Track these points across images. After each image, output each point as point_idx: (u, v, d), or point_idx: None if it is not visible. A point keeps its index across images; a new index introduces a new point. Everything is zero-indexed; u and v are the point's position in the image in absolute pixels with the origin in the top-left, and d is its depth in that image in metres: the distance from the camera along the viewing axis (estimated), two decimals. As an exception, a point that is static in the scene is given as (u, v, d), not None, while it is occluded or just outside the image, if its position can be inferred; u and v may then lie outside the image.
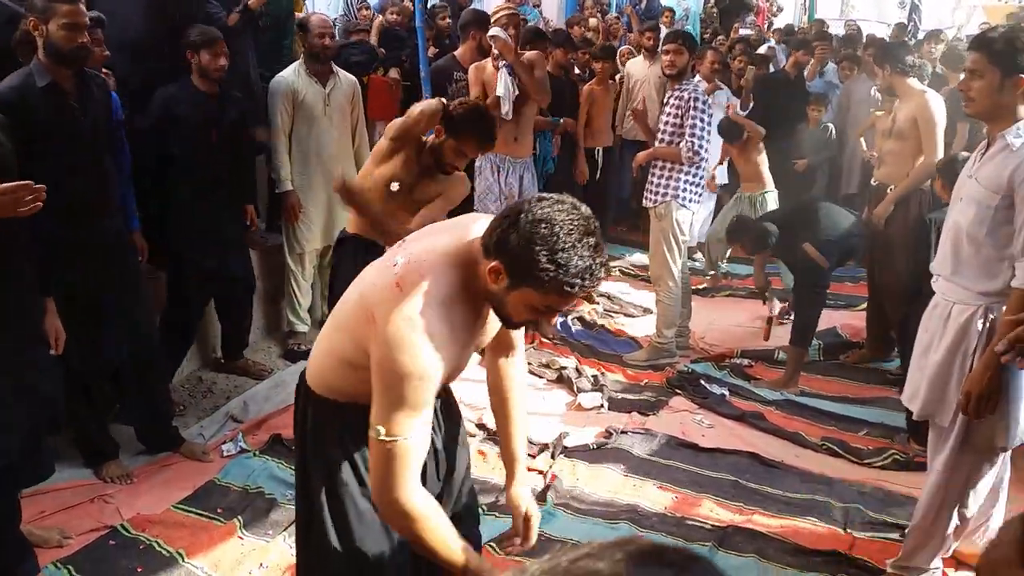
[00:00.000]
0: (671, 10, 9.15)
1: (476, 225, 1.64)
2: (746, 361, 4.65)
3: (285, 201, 4.35)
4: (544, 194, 1.53)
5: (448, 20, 6.14)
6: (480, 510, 2.29)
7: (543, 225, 1.45)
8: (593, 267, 1.47)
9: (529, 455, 3.52)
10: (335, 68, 4.42)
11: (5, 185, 2.17)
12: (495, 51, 4.47)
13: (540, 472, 3.40)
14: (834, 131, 6.18)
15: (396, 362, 1.50)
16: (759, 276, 4.90)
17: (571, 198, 1.52)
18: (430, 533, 1.58)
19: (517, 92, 4.48)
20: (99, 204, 3.04)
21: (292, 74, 4.31)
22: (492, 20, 4.68)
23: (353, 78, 4.57)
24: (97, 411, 3.26)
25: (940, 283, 2.61)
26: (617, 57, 6.58)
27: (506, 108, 4.47)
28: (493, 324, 1.73)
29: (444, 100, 3.22)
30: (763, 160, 5.60)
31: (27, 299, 2.50)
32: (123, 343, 3.17)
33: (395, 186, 3.19)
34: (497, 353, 1.94)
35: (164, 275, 3.83)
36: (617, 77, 6.47)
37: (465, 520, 1.96)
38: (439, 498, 1.79)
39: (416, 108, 3.17)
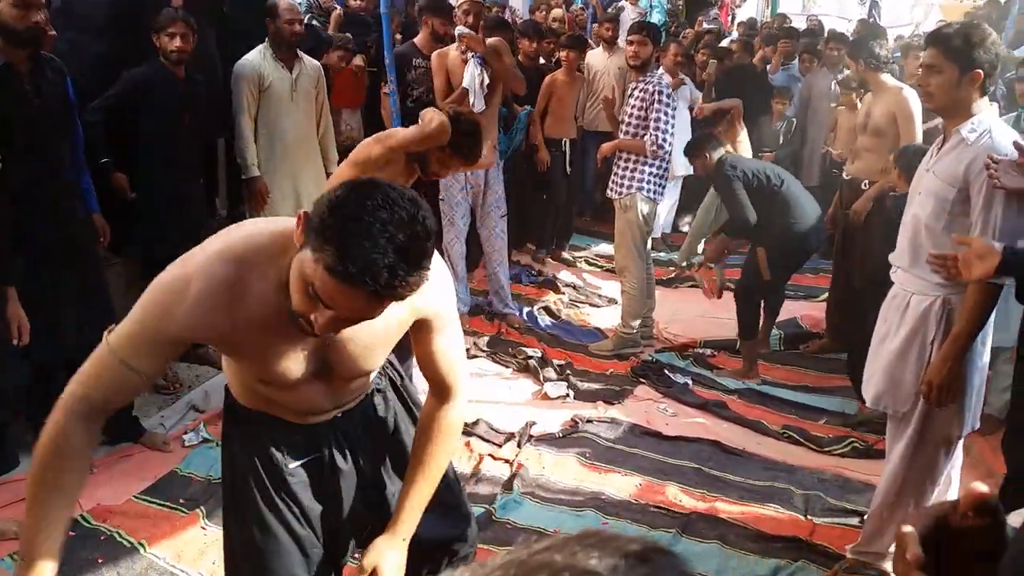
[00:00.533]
0: None
1: None
2: (709, 351, 4.71)
3: (251, 187, 4.24)
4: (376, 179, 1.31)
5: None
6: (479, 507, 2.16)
7: (374, 193, 1.23)
8: (377, 265, 1.19)
9: (495, 444, 3.54)
10: (300, 53, 4.34)
11: None
12: (461, 45, 4.43)
13: (507, 460, 3.41)
14: (795, 123, 6.28)
15: (157, 284, 1.42)
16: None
17: (427, 206, 1.29)
18: (38, 462, 1.43)
19: (488, 83, 4.44)
20: (55, 188, 2.97)
21: (258, 58, 4.20)
22: (456, 6, 4.65)
23: (318, 63, 4.49)
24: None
25: (899, 274, 2.66)
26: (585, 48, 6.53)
27: (475, 101, 4.41)
28: (351, 344, 1.52)
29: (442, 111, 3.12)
30: (744, 140, 5.68)
31: None
32: (84, 330, 3.10)
33: None
34: (433, 394, 1.74)
35: (120, 260, 3.77)
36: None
37: (448, 517, 1.88)
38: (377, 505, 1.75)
39: (433, 121, 2.97)
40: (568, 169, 5.94)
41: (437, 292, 1.54)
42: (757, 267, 4.29)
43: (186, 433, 3.51)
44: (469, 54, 4.40)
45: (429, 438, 1.71)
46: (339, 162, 4.43)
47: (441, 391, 1.72)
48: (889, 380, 2.65)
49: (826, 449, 3.64)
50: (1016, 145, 2.31)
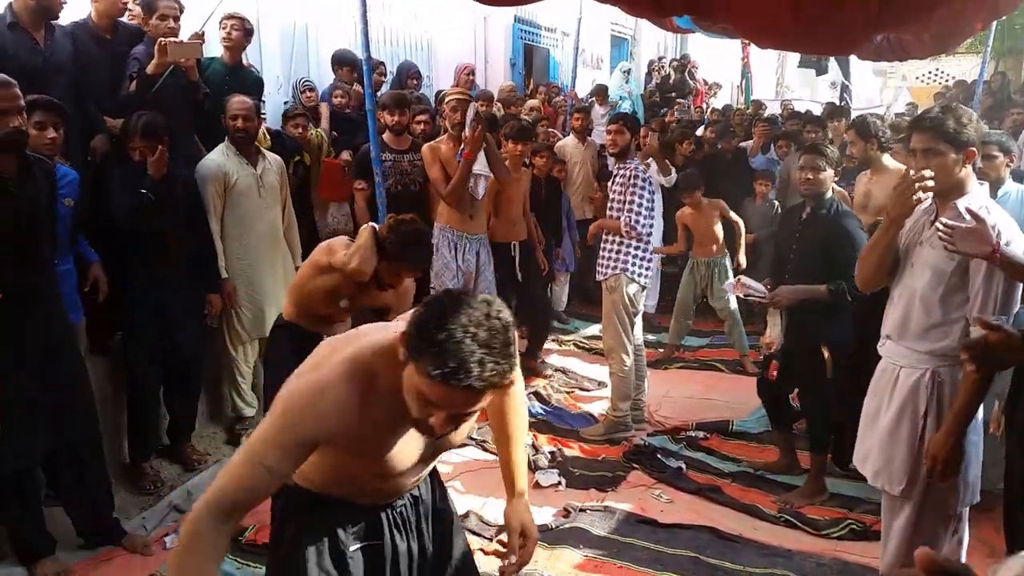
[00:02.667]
0: (603, 87, 9.43)
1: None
2: (701, 434, 4.66)
3: (222, 290, 4.17)
4: (466, 291, 1.50)
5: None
6: None
7: (450, 305, 1.41)
8: (470, 363, 1.35)
9: (486, 538, 3.45)
10: (261, 149, 4.34)
11: None
12: (452, 134, 4.59)
13: (497, 554, 3.31)
14: (779, 206, 6.38)
15: (293, 393, 1.54)
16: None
17: (498, 302, 1.47)
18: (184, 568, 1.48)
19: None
20: (34, 290, 2.93)
21: (221, 157, 4.17)
22: (443, 103, 4.78)
23: (279, 159, 4.47)
24: (29, 507, 3.09)
25: (888, 346, 2.66)
26: (536, 139, 6.07)
27: (481, 188, 4.62)
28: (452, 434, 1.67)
29: (376, 226, 3.14)
30: (718, 220, 5.77)
31: None
32: (59, 433, 3.04)
33: (344, 303, 3.17)
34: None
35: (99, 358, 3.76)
36: (537, 161, 5.94)
37: None
38: None
39: (353, 259, 3.00)
40: (519, 275, 5.26)
41: None
42: (817, 365, 3.74)
43: (168, 535, 3.42)
44: (472, 120, 4.51)
45: (508, 410, 1.96)
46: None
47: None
48: (885, 457, 2.63)
49: (823, 532, 3.57)
50: (968, 211, 2.35)
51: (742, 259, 5.79)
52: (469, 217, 4.74)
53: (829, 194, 3.74)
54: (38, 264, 2.95)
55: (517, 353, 1.56)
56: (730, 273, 5.77)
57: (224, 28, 4.52)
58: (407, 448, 1.68)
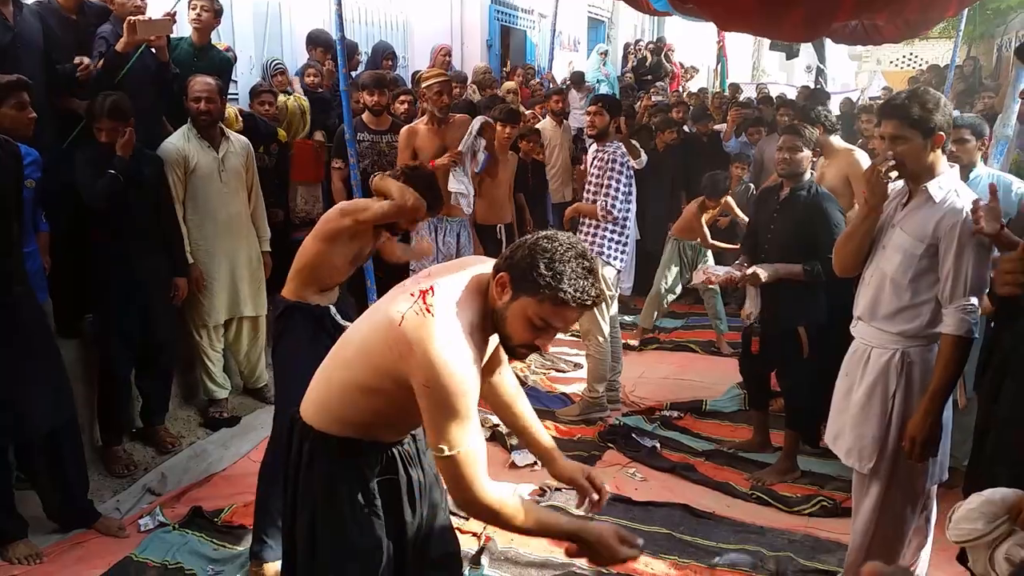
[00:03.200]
0: (579, 73, 9.43)
1: (486, 264, 1.85)
2: (675, 413, 4.70)
3: (188, 275, 4.09)
4: (548, 232, 1.73)
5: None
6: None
7: (545, 241, 1.68)
8: (586, 285, 1.65)
9: (462, 516, 3.45)
10: (226, 131, 4.27)
11: None
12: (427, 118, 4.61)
13: (474, 534, 3.33)
14: (753, 188, 6.42)
15: (445, 383, 1.64)
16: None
17: (571, 236, 1.73)
18: (519, 516, 1.73)
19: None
20: (5, 273, 2.89)
21: (180, 139, 4.08)
22: (424, 86, 4.75)
23: (246, 140, 4.38)
24: (0, 489, 3.07)
25: (860, 327, 2.70)
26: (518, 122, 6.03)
27: (466, 207, 4.70)
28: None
29: (387, 173, 3.13)
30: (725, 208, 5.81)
31: None
32: (35, 416, 3.00)
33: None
34: (490, 374, 2.09)
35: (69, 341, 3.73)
36: (524, 145, 5.96)
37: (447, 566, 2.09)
38: (425, 537, 2.02)
39: (407, 197, 2.97)
40: None
41: None
42: (795, 344, 3.77)
43: (142, 517, 3.40)
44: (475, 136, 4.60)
45: (514, 395, 2.18)
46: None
47: (497, 366, 2.11)
48: (855, 435, 2.67)
49: (795, 509, 3.62)
50: (990, 187, 2.41)
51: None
52: (449, 199, 4.73)
53: (808, 175, 3.77)
54: (7, 247, 2.90)
55: None
56: (711, 257, 5.82)
57: (194, 9, 4.44)
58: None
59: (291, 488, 1.95)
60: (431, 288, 1.73)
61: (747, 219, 5.70)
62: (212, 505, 3.50)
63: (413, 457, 2.00)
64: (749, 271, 3.76)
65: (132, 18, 3.82)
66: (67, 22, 4.02)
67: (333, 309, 2.99)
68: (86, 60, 3.83)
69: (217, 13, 4.57)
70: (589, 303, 1.68)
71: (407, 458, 1.97)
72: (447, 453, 1.65)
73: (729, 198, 5.83)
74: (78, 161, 3.61)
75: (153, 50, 4.03)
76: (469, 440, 1.67)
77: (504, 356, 2.08)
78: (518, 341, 1.74)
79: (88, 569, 3.05)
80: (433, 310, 1.68)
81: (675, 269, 5.95)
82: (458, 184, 4.66)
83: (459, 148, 4.62)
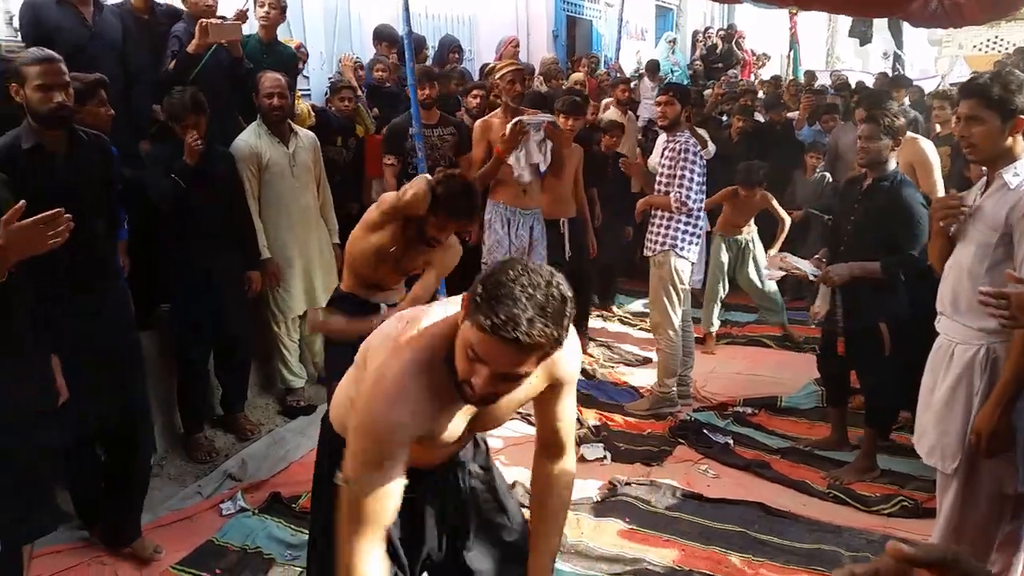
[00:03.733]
0: (655, 63, 9.33)
1: None
2: (749, 410, 4.62)
3: (265, 269, 4.20)
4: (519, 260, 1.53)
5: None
6: None
7: (514, 268, 1.46)
8: (519, 317, 1.39)
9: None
10: (294, 126, 4.35)
11: (36, 217, 2.11)
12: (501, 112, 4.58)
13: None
14: (829, 178, 6.23)
15: (364, 415, 1.57)
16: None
17: (561, 277, 1.50)
18: None
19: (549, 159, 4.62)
20: (89, 266, 2.94)
21: (253, 136, 4.18)
22: (496, 76, 4.75)
23: (313, 135, 4.46)
24: (91, 472, 3.18)
25: (943, 322, 2.61)
26: (588, 113, 5.82)
27: (527, 176, 4.60)
28: (495, 408, 1.71)
29: (429, 177, 3.11)
30: (764, 204, 5.55)
31: (32, 356, 2.45)
32: (120, 403, 3.04)
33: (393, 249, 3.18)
34: (544, 453, 1.96)
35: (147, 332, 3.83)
36: (607, 140, 5.94)
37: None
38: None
39: (408, 191, 3.01)
40: (568, 253, 5.07)
41: (570, 360, 1.77)
42: (874, 340, 3.66)
43: (223, 502, 3.50)
44: (533, 131, 4.52)
45: (551, 493, 1.94)
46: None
47: (553, 448, 1.93)
48: (938, 433, 2.58)
49: (873, 509, 3.52)
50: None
51: (773, 251, 5.31)
52: (523, 192, 4.72)
53: (892, 165, 3.63)
54: (93, 241, 2.91)
55: (572, 336, 1.64)
56: (760, 247, 5.61)
57: (262, 6, 4.54)
58: (456, 421, 1.72)
59: (315, 485, 2.01)
60: (416, 319, 1.67)
61: (787, 216, 5.54)
62: (290, 491, 3.59)
63: (440, 483, 1.96)
64: (824, 272, 3.67)
65: (205, 21, 3.91)
66: (140, 22, 4.15)
67: (384, 307, 3.04)
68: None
69: (283, 9, 4.67)
70: (512, 336, 1.39)
71: (432, 482, 1.93)
72: (338, 480, 1.62)
73: (770, 195, 5.54)
74: (148, 160, 3.70)
75: (226, 44, 4.12)
76: (366, 486, 1.56)
77: (568, 448, 1.95)
78: (461, 374, 1.53)
79: (172, 551, 3.16)
80: (400, 336, 1.63)
81: (724, 265, 5.70)
82: (520, 165, 4.60)
83: (534, 160, 4.58)
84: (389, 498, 1.57)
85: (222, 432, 4.16)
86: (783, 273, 4.06)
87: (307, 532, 3.26)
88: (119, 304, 3.15)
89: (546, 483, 1.95)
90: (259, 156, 4.15)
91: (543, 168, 4.71)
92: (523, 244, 4.73)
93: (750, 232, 5.65)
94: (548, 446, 1.93)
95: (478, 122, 4.72)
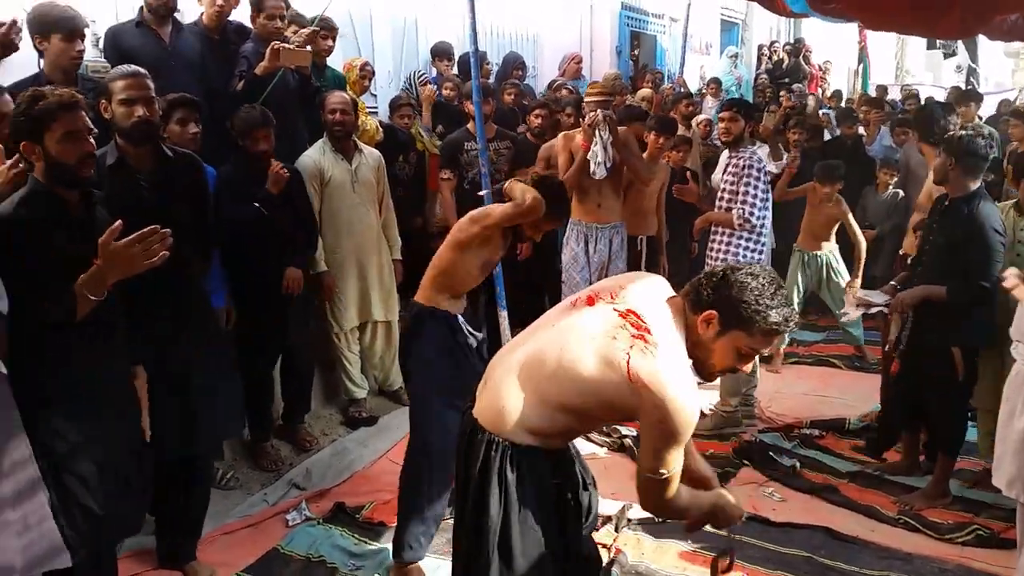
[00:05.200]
0: (716, 80, 9.24)
1: (657, 281, 2.12)
2: (816, 432, 4.50)
3: (321, 282, 4.30)
4: (739, 265, 1.94)
5: (512, 96, 6.21)
6: None
7: (751, 280, 1.86)
8: (789, 314, 1.87)
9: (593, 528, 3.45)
10: (359, 144, 4.41)
11: (132, 236, 2.14)
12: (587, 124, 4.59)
13: (604, 545, 3.31)
14: (903, 196, 6.02)
15: (678, 420, 1.81)
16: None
17: (771, 270, 1.93)
18: (687, 506, 2.02)
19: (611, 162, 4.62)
20: (176, 288, 2.83)
21: (317, 153, 4.27)
22: (586, 101, 4.79)
23: (378, 153, 4.52)
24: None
25: (1020, 349, 2.54)
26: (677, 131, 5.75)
27: (600, 172, 4.60)
28: None
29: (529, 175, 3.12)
30: (837, 223, 5.36)
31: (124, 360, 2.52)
32: (212, 421, 2.98)
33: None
34: None
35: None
36: (674, 156, 5.74)
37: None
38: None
39: (526, 198, 2.91)
40: (643, 269, 4.92)
41: None
42: (946, 367, 3.53)
43: (289, 512, 3.57)
44: (597, 132, 4.55)
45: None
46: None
47: None
48: (1018, 464, 2.49)
49: (947, 537, 3.40)
50: None
51: (857, 283, 5.10)
52: (597, 207, 4.73)
53: (975, 184, 3.48)
54: (182, 259, 2.67)
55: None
56: (843, 270, 5.47)
57: (324, 39, 4.64)
58: None
59: (473, 493, 2.05)
60: (639, 317, 1.90)
61: (863, 240, 5.25)
62: (354, 501, 3.65)
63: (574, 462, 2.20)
64: (896, 300, 3.57)
65: (277, 44, 3.96)
66: (211, 42, 4.25)
67: (461, 319, 3.05)
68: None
69: (335, 38, 4.83)
70: (789, 328, 1.90)
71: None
72: (665, 476, 1.86)
73: (848, 212, 5.35)
74: (221, 183, 3.62)
75: (294, 68, 4.20)
76: (680, 462, 1.88)
77: None
78: (721, 368, 1.95)
79: (239, 558, 3.23)
80: (655, 349, 1.84)
81: (800, 283, 5.55)
82: (599, 151, 4.58)
83: (597, 159, 4.58)
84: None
85: (285, 442, 4.25)
86: (861, 312, 3.99)
87: (370, 542, 3.33)
88: (208, 324, 3.11)
89: None
90: (322, 172, 4.24)
91: (608, 165, 4.65)
92: (602, 258, 4.75)
93: (830, 250, 5.49)
94: None
95: (562, 135, 4.83)
